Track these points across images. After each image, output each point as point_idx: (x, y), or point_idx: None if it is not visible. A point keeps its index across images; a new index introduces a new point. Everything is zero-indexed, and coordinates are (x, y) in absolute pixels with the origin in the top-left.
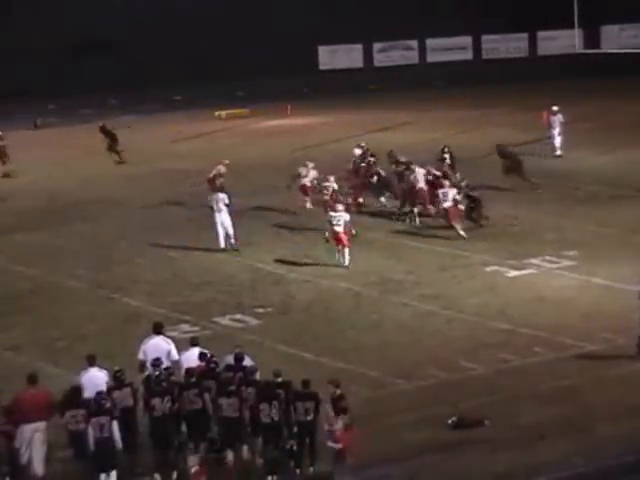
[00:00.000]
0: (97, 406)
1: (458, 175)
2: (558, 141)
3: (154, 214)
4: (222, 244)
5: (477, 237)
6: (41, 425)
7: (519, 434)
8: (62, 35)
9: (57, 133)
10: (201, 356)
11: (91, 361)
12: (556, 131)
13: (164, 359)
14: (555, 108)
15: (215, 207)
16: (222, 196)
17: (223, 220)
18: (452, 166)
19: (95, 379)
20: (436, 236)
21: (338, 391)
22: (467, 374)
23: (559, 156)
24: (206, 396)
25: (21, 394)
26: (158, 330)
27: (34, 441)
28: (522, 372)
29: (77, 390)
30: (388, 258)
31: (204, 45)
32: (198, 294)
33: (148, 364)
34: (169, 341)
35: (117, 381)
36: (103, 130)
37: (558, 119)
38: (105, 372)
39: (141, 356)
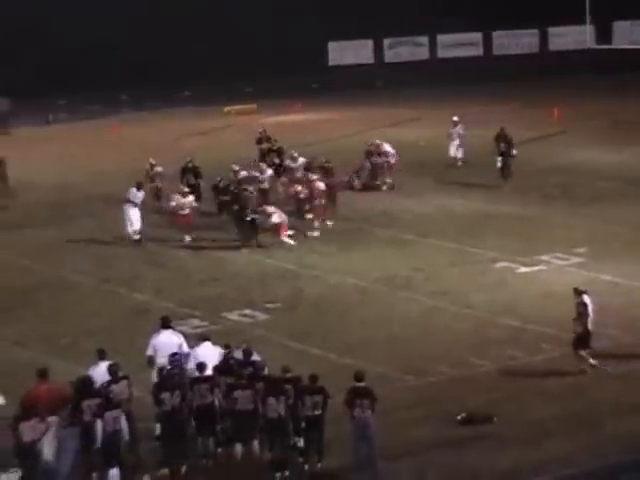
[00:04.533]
0: (108, 399)
1: None
2: (459, 152)
3: (159, 210)
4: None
5: (487, 234)
6: (53, 420)
7: (526, 431)
8: (72, 32)
9: (66, 129)
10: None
11: (102, 355)
12: (455, 142)
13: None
14: (455, 119)
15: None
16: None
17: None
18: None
19: (105, 374)
20: (445, 233)
21: (358, 384)
22: (475, 370)
23: (458, 166)
24: (216, 391)
25: (35, 389)
26: (167, 324)
27: (46, 435)
28: (530, 369)
29: (89, 380)
30: (397, 254)
31: (214, 41)
32: (207, 289)
33: (158, 359)
34: (179, 335)
35: (113, 374)
36: None
37: (457, 131)
38: None
39: (150, 351)
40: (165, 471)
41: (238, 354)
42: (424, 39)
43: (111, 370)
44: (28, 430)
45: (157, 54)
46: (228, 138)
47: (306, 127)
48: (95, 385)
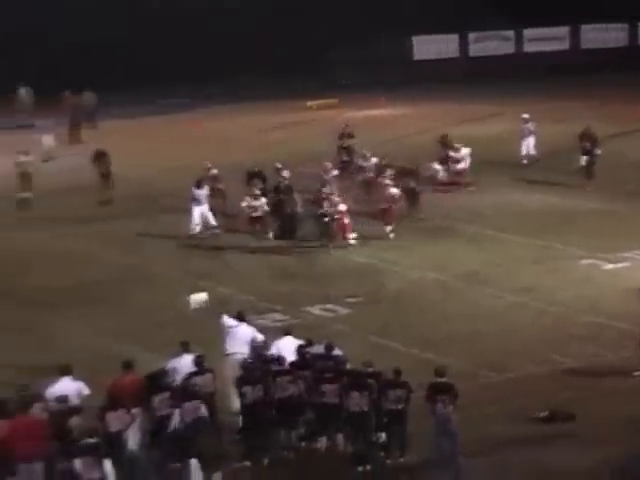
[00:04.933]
0: (188, 390)
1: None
2: (533, 149)
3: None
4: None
5: (570, 230)
6: (138, 411)
7: (607, 430)
8: (155, 25)
9: (148, 122)
10: (299, 348)
11: (185, 347)
12: (526, 140)
13: (249, 345)
14: (526, 116)
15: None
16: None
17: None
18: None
19: (189, 365)
20: (527, 229)
21: (439, 380)
22: (557, 367)
23: (536, 163)
24: (300, 383)
25: (120, 380)
26: (242, 317)
27: (132, 426)
28: (612, 366)
29: (161, 374)
30: (478, 250)
31: (299, 35)
32: (287, 284)
33: (235, 353)
34: (252, 328)
35: (199, 366)
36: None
37: (528, 128)
38: None
39: (226, 343)
40: (247, 464)
41: (319, 348)
42: (510, 33)
43: (197, 362)
44: (115, 420)
45: (242, 45)
46: (308, 133)
47: (388, 122)
48: (178, 377)
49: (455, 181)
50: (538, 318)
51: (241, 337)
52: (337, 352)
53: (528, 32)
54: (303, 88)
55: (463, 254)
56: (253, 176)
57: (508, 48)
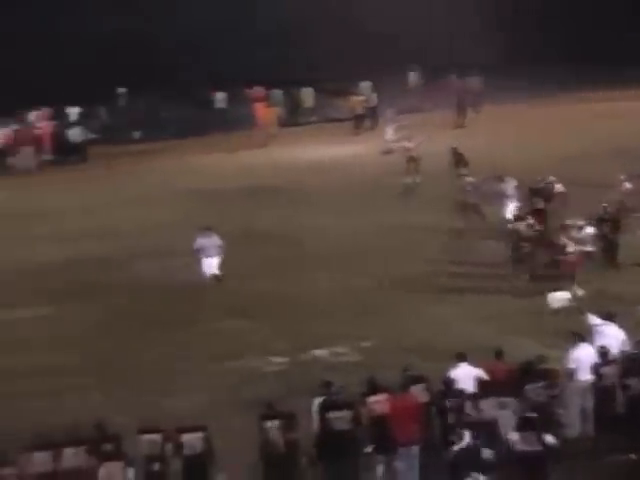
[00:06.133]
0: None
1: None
2: None
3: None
4: None
5: None
6: (510, 400)
7: None
8: None
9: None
10: None
11: (580, 338)
12: None
13: (618, 346)
14: None
15: None
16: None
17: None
18: None
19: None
20: None
21: None
22: None
23: None
24: None
25: (492, 367)
26: (610, 317)
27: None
28: None
29: (536, 362)
30: None
31: None
32: None
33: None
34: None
35: (604, 357)
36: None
37: None
38: None
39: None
40: (632, 456)
41: None
42: None
43: (602, 353)
44: (489, 407)
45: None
46: None
47: None
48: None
49: None
50: None
51: (612, 338)
52: None
53: None
54: None
55: None
56: (535, 193)
57: None
